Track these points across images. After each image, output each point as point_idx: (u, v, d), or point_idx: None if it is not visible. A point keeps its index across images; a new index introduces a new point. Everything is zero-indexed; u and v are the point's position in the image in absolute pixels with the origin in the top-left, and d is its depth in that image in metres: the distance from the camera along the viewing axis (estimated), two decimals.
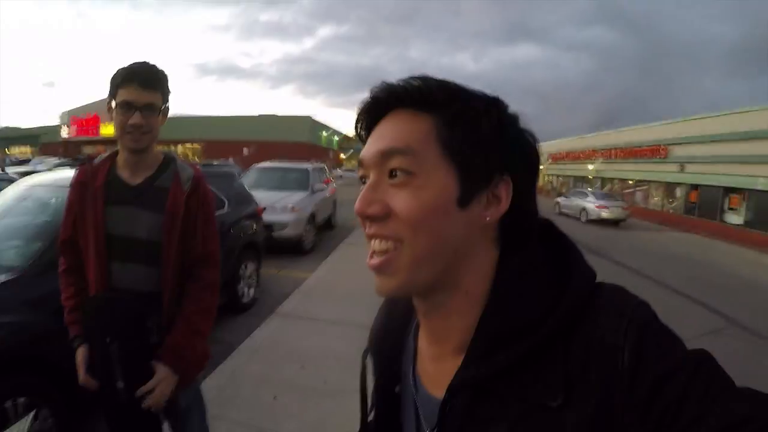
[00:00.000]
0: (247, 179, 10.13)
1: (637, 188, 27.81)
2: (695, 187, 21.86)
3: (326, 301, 6.05)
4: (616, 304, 0.55)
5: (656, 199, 25.75)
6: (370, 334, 0.82)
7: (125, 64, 1.66)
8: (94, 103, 50.42)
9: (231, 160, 26.82)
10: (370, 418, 0.78)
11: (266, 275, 6.81)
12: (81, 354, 1.76)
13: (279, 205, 9.09)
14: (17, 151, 51.59)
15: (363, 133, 0.66)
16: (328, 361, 4.24)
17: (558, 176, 40.53)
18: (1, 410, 2.39)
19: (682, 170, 22.41)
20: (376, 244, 0.61)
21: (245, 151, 41.01)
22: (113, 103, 1.64)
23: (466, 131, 0.59)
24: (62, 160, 26.29)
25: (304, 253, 9.48)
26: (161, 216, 1.72)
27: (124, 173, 1.75)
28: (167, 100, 1.73)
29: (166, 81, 1.72)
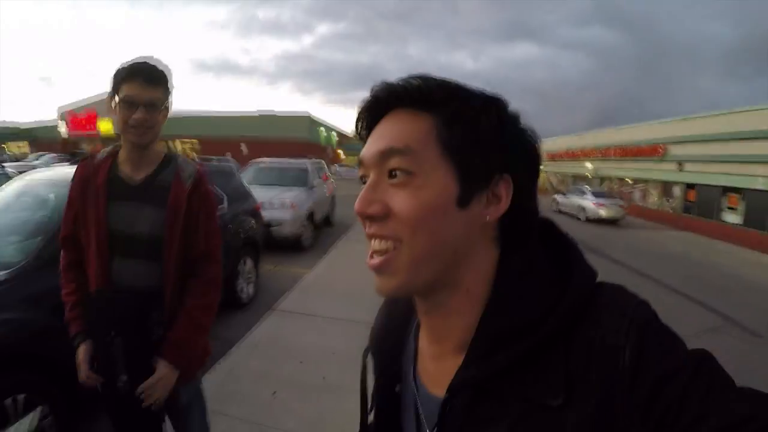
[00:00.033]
0: (246, 176, 10.13)
1: (635, 187, 27.82)
2: (693, 186, 21.87)
3: (324, 298, 6.06)
4: (616, 304, 0.55)
5: (654, 198, 25.76)
6: (371, 334, 0.82)
7: (128, 60, 1.66)
8: (90, 99, 50.28)
9: (229, 156, 26.81)
10: (371, 417, 0.78)
11: (264, 272, 6.82)
12: (82, 351, 1.75)
13: (277, 202, 9.09)
14: (15, 147, 51.38)
15: (363, 132, 0.66)
16: (327, 358, 4.25)
17: (556, 174, 40.53)
18: (0, 407, 2.38)
19: (680, 169, 22.42)
20: (375, 243, 0.61)
21: (243, 148, 40.94)
22: (116, 100, 1.64)
23: (465, 130, 0.59)
24: (60, 156, 26.23)
25: (302, 250, 9.49)
26: (163, 212, 1.72)
27: (125, 169, 1.75)
28: (169, 97, 1.73)
29: (169, 78, 1.72)
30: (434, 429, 0.64)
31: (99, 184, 1.71)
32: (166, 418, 1.88)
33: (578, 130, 37.40)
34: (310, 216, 10.12)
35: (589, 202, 20.67)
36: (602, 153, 30.64)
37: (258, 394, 3.54)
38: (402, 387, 0.74)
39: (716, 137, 19.57)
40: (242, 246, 5.85)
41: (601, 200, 20.63)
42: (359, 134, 0.67)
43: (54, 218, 3.19)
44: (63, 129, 50.73)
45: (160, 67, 1.68)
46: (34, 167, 10.49)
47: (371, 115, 0.65)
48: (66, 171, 4.12)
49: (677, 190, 23.23)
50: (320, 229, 11.60)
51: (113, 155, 1.79)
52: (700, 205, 21.26)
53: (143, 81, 1.61)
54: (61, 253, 1.87)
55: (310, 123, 50.41)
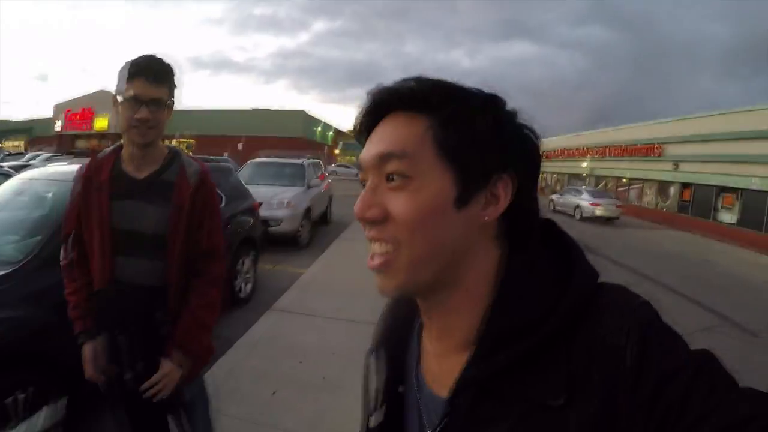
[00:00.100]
0: (243, 174, 10.11)
1: (631, 186, 27.90)
2: (689, 185, 21.97)
3: (323, 296, 6.06)
4: (618, 304, 0.55)
5: (650, 198, 25.85)
6: (375, 334, 0.82)
7: (132, 57, 1.65)
8: (87, 95, 50.08)
9: (226, 155, 26.70)
10: (373, 418, 0.77)
11: (262, 270, 6.81)
12: (88, 350, 1.75)
13: (275, 201, 9.08)
14: (10, 144, 51.12)
15: (362, 136, 0.66)
16: (326, 356, 4.26)
17: (553, 173, 40.59)
18: (1, 406, 2.38)
19: (676, 169, 22.52)
20: (375, 246, 0.61)
21: (239, 145, 40.81)
22: (119, 97, 1.63)
23: (461, 131, 0.58)
24: (55, 153, 26.11)
25: (299, 249, 9.49)
26: (167, 210, 1.72)
27: (129, 167, 1.74)
28: (174, 94, 1.73)
29: (173, 75, 1.71)
30: (436, 429, 0.64)
31: (102, 181, 1.71)
32: (170, 415, 1.89)
33: (575, 129, 37.38)
34: (308, 214, 10.12)
35: (584, 201, 20.75)
36: (599, 152, 30.73)
37: (258, 394, 3.54)
38: (405, 388, 0.73)
39: (713, 137, 19.69)
40: (241, 245, 5.84)
41: (597, 199, 20.71)
42: (358, 138, 0.67)
43: (53, 216, 3.18)
44: (58, 125, 50.50)
45: (165, 65, 1.67)
46: (29, 166, 10.44)
47: (369, 118, 0.65)
48: (63, 169, 4.10)
49: (673, 190, 23.32)
50: (317, 228, 11.60)
51: (117, 153, 1.78)
52: (696, 204, 21.36)
53: (147, 79, 1.60)
54: (63, 251, 1.86)
55: (305, 120, 50.34)
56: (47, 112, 53.79)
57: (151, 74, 1.61)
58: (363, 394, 0.78)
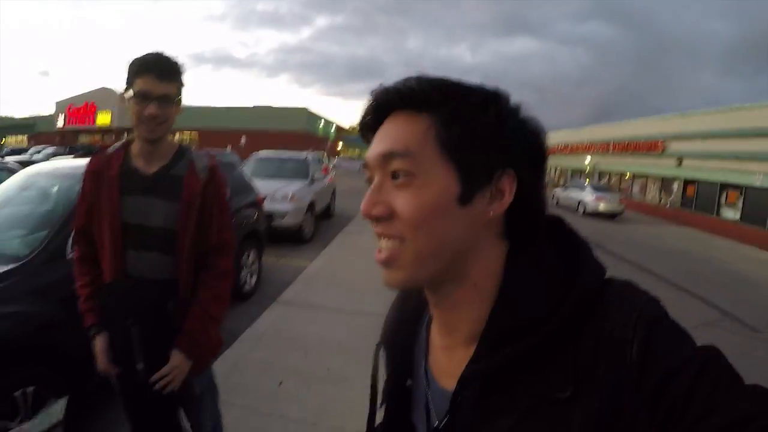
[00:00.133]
0: (247, 168, 10.12)
1: (634, 182, 27.86)
2: (692, 182, 21.93)
3: (326, 290, 6.08)
4: (625, 300, 0.55)
5: (653, 194, 25.81)
6: (383, 328, 0.83)
7: (140, 53, 1.66)
8: (89, 92, 50.12)
9: (229, 150, 26.63)
10: (381, 412, 0.78)
11: (266, 264, 6.84)
12: (100, 342, 1.77)
13: (278, 195, 9.09)
14: (13, 140, 51.16)
15: (368, 135, 0.67)
16: (331, 349, 4.28)
17: (555, 169, 40.55)
18: (10, 400, 2.39)
19: (679, 165, 22.47)
20: (382, 242, 0.62)
21: (242, 141, 40.82)
22: (129, 93, 1.64)
23: (463, 129, 0.59)
24: (58, 150, 26.12)
25: (303, 242, 9.51)
26: (176, 205, 1.73)
27: (138, 162, 1.75)
28: (182, 91, 1.73)
29: (182, 71, 1.72)
30: (444, 421, 0.65)
31: (112, 176, 1.72)
32: (180, 407, 1.90)
33: (577, 124, 37.39)
34: (311, 208, 10.14)
35: (588, 196, 20.75)
36: (602, 148, 30.67)
37: (263, 385, 3.57)
38: (413, 382, 0.75)
39: (716, 134, 19.64)
40: (245, 238, 5.86)
41: (600, 194, 20.70)
42: (363, 137, 0.68)
43: (59, 211, 3.19)
44: (61, 121, 50.49)
45: (174, 61, 1.68)
46: (33, 161, 10.47)
47: (373, 118, 0.65)
48: (69, 164, 4.12)
49: (676, 186, 23.28)
50: (321, 221, 11.62)
51: (126, 148, 1.79)
52: (699, 200, 21.33)
53: (156, 75, 1.61)
54: (74, 245, 1.87)
55: (308, 115, 50.31)
56: (49, 109, 53.82)
57: (159, 71, 1.62)
58: (371, 386, 0.78)
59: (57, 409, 1.65)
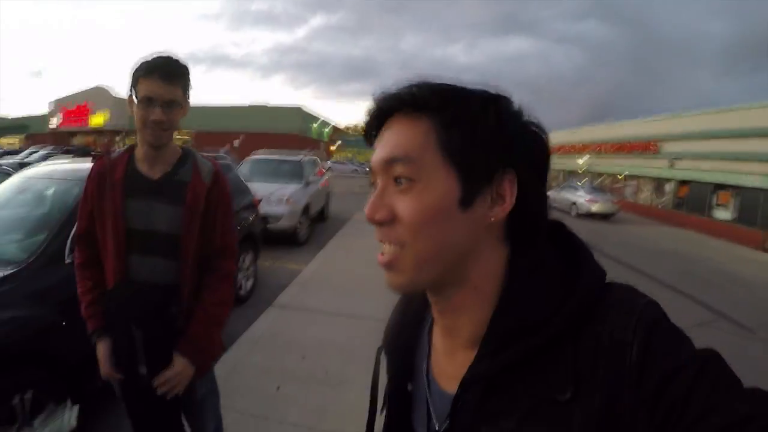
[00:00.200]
0: (241, 170, 10.11)
1: (627, 183, 27.93)
2: (685, 182, 22.02)
3: (322, 292, 6.09)
4: (625, 302, 0.56)
5: (646, 194, 25.89)
6: (385, 331, 0.83)
7: (147, 56, 1.64)
8: (84, 91, 49.72)
9: (222, 151, 26.39)
10: (381, 416, 0.79)
11: (261, 267, 6.83)
12: (102, 348, 1.76)
13: (274, 197, 9.09)
14: (6, 141, 50.76)
15: (372, 139, 0.68)
16: (328, 352, 4.29)
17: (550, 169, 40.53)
18: (8, 407, 2.37)
19: (672, 166, 22.55)
20: (385, 247, 0.63)
21: (235, 142, 40.64)
22: (134, 97, 1.62)
23: (463, 133, 0.59)
24: (52, 150, 25.91)
25: (298, 245, 9.51)
26: (181, 209, 1.72)
27: (143, 167, 1.74)
28: (188, 94, 1.72)
29: (188, 75, 1.70)
30: (445, 424, 0.65)
31: (116, 180, 1.71)
32: (183, 411, 1.91)
33: (572, 125, 37.40)
34: (306, 211, 10.13)
35: (581, 198, 20.78)
36: (595, 148, 30.73)
37: (262, 389, 3.57)
38: (414, 385, 0.75)
39: (709, 134, 19.72)
40: (241, 241, 5.81)
41: (593, 195, 20.73)
42: (368, 142, 0.69)
43: (56, 215, 3.17)
44: (54, 122, 50.13)
45: (180, 65, 1.67)
46: (28, 164, 10.39)
47: (375, 123, 0.66)
48: (65, 167, 4.09)
49: (669, 187, 23.36)
50: (315, 224, 11.61)
51: (130, 152, 1.78)
52: (692, 201, 21.41)
53: (162, 79, 1.59)
54: (75, 249, 1.86)
55: (303, 116, 50.09)
56: (43, 109, 53.38)
57: (165, 75, 1.60)
58: (371, 389, 0.79)
59: (68, 418, 1.65)
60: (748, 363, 4.74)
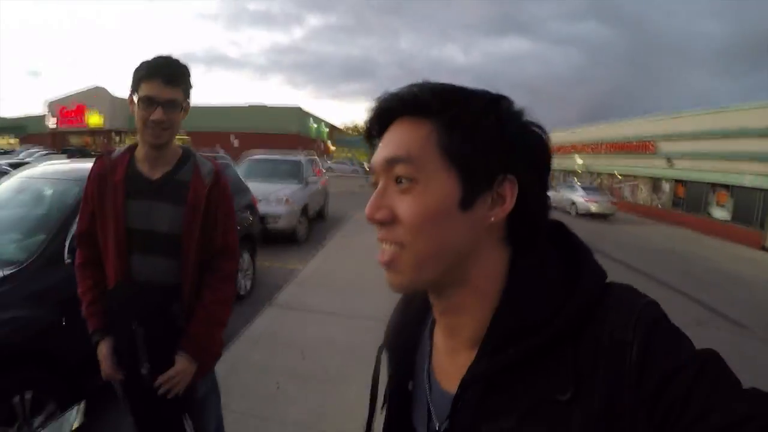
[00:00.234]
0: (240, 170, 10.12)
1: (625, 182, 27.99)
2: (682, 182, 22.07)
3: (321, 292, 6.11)
4: (625, 303, 0.56)
5: (644, 194, 25.95)
6: (386, 330, 0.83)
7: (148, 58, 1.65)
8: (81, 91, 49.68)
9: (219, 149, 26.23)
10: (382, 415, 0.79)
11: (260, 266, 6.85)
12: (104, 347, 1.77)
13: (273, 197, 9.12)
14: (3, 142, 50.64)
15: (374, 140, 0.68)
16: (327, 350, 4.30)
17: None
18: (8, 406, 2.37)
19: (669, 165, 22.60)
20: (385, 247, 0.63)
21: (234, 141, 40.71)
22: (135, 97, 1.63)
23: (463, 135, 0.59)
24: (50, 151, 25.89)
25: (296, 244, 9.54)
26: (181, 209, 1.73)
27: (143, 167, 1.75)
28: (189, 95, 1.73)
29: (189, 76, 1.71)
30: (445, 423, 0.66)
31: (117, 181, 1.71)
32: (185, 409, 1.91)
33: (569, 125, 37.36)
34: (305, 210, 10.16)
35: (579, 197, 20.85)
36: (593, 148, 30.78)
37: (262, 388, 3.58)
38: (414, 384, 0.75)
39: (706, 134, 19.75)
40: (240, 241, 5.79)
41: (592, 195, 20.80)
42: (369, 143, 0.69)
43: (55, 215, 3.17)
44: (52, 122, 50.02)
45: (181, 66, 1.68)
46: (26, 163, 10.37)
47: (378, 124, 0.66)
48: (63, 167, 4.10)
49: (666, 186, 23.41)
50: (314, 224, 11.63)
51: (131, 152, 1.79)
52: (689, 200, 21.46)
53: (163, 80, 1.61)
54: (76, 249, 1.87)
55: (301, 116, 50.12)
56: (40, 109, 53.32)
57: (165, 76, 1.61)
58: (371, 389, 0.79)
59: (74, 416, 1.65)
60: (744, 360, 4.77)
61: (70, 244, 2.85)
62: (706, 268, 11.46)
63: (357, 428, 0.80)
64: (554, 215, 0.68)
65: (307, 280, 6.67)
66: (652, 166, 24.14)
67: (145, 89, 1.61)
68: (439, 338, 0.72)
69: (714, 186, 19.72)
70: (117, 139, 46.85)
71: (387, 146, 0.63)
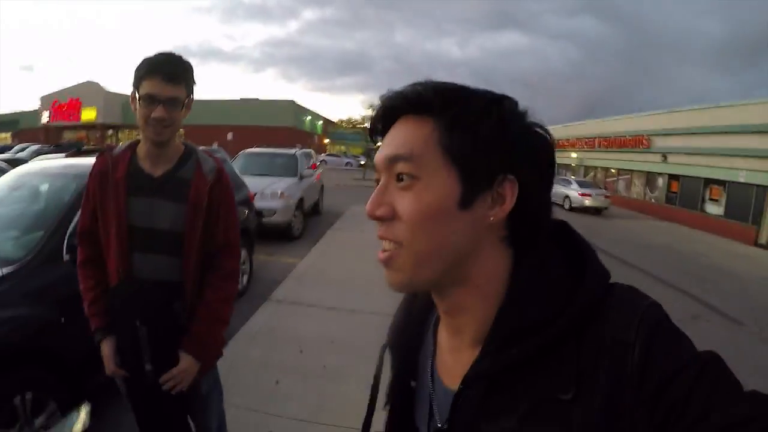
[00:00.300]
0: (236, 165, 10.08)
1: (620, 177, 28.03)
2: (676, 177, 22.12)
3: (318, 287, 6.11)
4: (628, 304, 0.56)
5: (638, 189, 25.99)
6: (390, 329, 0.83)
7: (150, 55, 1.64)
8: (74, 86, 49.34)
9: (215, 146, 26.13)
10: (384, 413, 0.80)
11: (256, 261, 6.83)
12: (107, 346, 1.77)
13: (268, 192, 9.09)
14: None
15: (378, 138, 0.68)
16: (325, 345, 4.32)
17: None
18: (9, 407, 2.36)
19: (664, 161, 22.64)
20: (385, 244, 0.63)
21: (229, 136, 40.48)
22: (137, 95, 1.63)
23: (465, 134, 0.59)
24: (43, 146, 25.69)
25: (292, 239, 9.53)
26: (183, 207, 1.72)
27: (145, 164, 1.74)
28: (192, 92, 1.72)
29: (191, 73, 1.70)
30: (446, 421, 0.66)
31: (119, 178, 1.70)
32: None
33: (564, 120, 37.40)
34: (300, 205, 10.14)
35: (574, 192, 20.89)
36: (587, 143, 30.81)
37: (261, 384, 3.60)
38: (417, 382, 0.75)
39: (700, 130, 19.79)
40: None
41: (586, 190, 20.85)
42: (373, 141, 0.69)
43: (53, 212, 3.14)
44: (45, 117, 49.67)
45: (183, 63, 1.67)
46: (21, 160, 10.30)
47: (382, 122, 0.67)
48: (60, 163, 4.05)
49: (661, 181, 23.46)
50: (309, 218, 11.61)
51: (132, 149, 1.78)
52: (683, 196, 21.52)
53: (164, 78, 1.60)
54: (78, 247, 1.86)
55: (295, 109, 49.93)
56: (33, 105, 52.94)
57: (167, 73, 1.61)
58: (372, 387, 0.79)
59: (79, 418, 1.65)
60: (738, 354, 4.81)
61: (68, 241, 2.84)
62: (700, 263, 11.52)
63: (356, 422, 0.80)
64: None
65: (304, 275, 6.68)
66: (647, 161, 24.19)
67: (146, 87, 1.60)
68: (443, 336, 0.72)
69: (708, 182, 19.78)
70: (110, 133, 46.60)
71: (389, 144, 0.64)
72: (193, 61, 1.71)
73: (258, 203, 7.91)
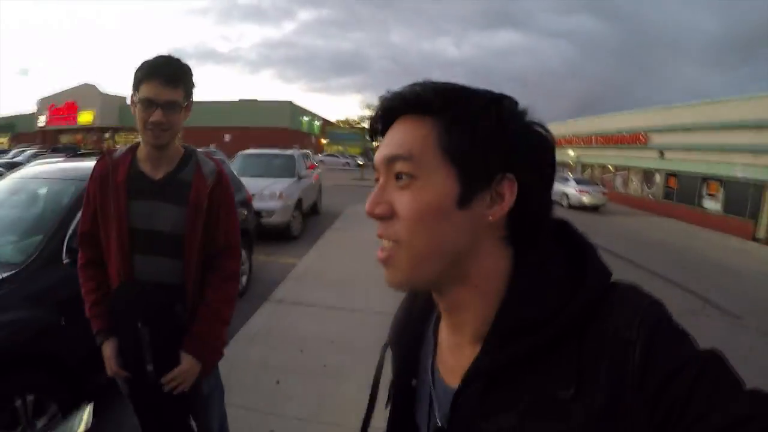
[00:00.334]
0: (233, 166, 10.09)
1: (617, 174, 28.05)
2: (674, 173, 22.14)
3: (317, 287, 6.12)
4: (630, 302, 0.56)
5: (636, 185, 26.01)
6: (391, 327, 0.83)
7: (148, 58, 1.64)
8: (71, 88, 49.24)
9: (213, 147, 26.17)
10: (385, 412, 0.80)
11: (255, 262, 6.84)
12: (109, 348, 1.77)
13: (267, 192, 9.11)
14: None
15: (378, 138, 0.68)
16: (325, 345, 4.32)
17: None
18: (11, 409, 2.36)
19: (661, 157, 22.66)
20: (384, 243, 0.64)
21: (226, 137, 40.50)
22: (135, 98, 1.63)
23: (462, 133, 0.59)
24: (40, 149, 25.67)
25: (291, 240, 9.54)
26: (184, 209, 1.73)
27: (145, 167, 1.75)
28: (191, 95, 1.73)
29: (190, 76, 1.70)
30: (446, 420, 0.66)
31: (119, 181, 1.71)
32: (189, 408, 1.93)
33: (561, 117, 37.44)
34: (299, 205, 10.15)
35: (572, 189, 20.88)
36: (585, 140, 30.80)
37: (261, 384, 3.60)
38: (418, 381, 0.75)
39: (697, 126, 19.80)
40: None
41: (584, 187, 20.84)
42: (373, 141, 0.70)
43: (52, 216, 3.15)
44: (42, 120, 49.57)
45: (181, 66, 1.67)
46: (20, 164, 10.30)
47: (382, 122, 0.67)
48: (58, 167, 4.06)
49: (658, 178, 23.47)
50: (308, 218, 11.61)
51: (132, 152, 1.79)
52: (681, 192, 21.54)
53: (162, 81, 1.60)
54: (79, 250, 1.87)
55: (292, 110, 49.89)
56: (30, 108, 52.83)
57: (165, 77, 1.61)
58: (372, 385, 0.80)
59: (82, 419, 1.66)
60: (736, 348, 4.82)
61: (67, 244, 2.85)
62: (697, 258, 11.54)
63: (356, 421, 0.81)
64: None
65: (303, 275, 6.69)
66: (644, 158, 24.20)
67: (144, 90, 1.60)
68: (444, 334, 0.72)
69: (705, 177, 19.80)
70: (106, 135, 46.49)
71: (388, 144, 0.64)
72: (190, 63, 1.71)
73: (257, 204, 7.91)
